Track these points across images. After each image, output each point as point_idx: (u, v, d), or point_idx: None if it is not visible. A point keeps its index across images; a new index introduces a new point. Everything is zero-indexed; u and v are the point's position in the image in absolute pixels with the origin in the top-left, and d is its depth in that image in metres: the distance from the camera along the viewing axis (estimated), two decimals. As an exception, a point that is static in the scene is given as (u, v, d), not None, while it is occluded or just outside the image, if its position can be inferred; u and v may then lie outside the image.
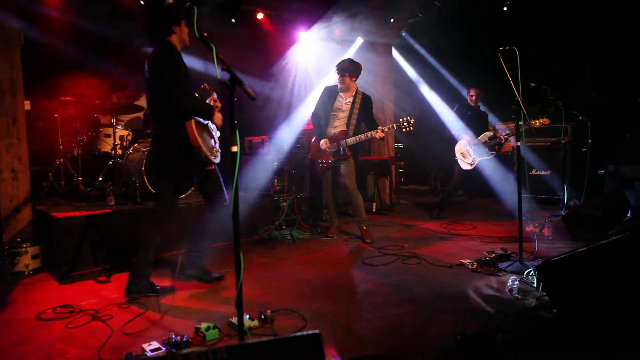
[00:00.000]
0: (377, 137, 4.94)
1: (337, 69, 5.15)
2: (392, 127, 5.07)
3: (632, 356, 2.40)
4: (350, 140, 5.06)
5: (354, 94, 5.17)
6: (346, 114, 5.16)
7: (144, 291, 3.47)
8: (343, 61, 5.17)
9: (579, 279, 2.74)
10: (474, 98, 6.44)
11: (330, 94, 5.27)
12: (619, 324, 2.53)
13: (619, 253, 2.68)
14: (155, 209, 3.55)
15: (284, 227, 5.61)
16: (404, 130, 4.97)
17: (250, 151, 6.23)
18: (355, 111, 5.12)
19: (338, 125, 5.18)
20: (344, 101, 5.18)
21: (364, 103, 5.17)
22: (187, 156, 3.42)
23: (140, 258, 3.46)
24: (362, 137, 5.03)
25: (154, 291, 3.49)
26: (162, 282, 3.68)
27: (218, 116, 3.61)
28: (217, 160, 3.62)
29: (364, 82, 6.32)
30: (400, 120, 4.96)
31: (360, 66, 5.20)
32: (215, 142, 3.68)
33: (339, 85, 5.19)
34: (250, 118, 7.23)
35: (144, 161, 4.88)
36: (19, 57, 4.57)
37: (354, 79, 5.16)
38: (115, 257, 4.25)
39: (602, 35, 6.85)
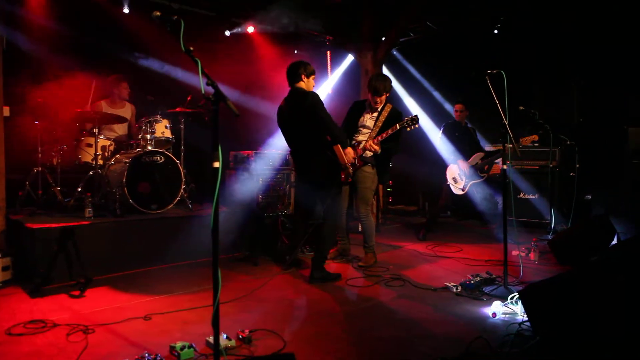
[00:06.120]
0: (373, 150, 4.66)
1: (378, 90, 4.72)
2: (395, 127, 4.64)
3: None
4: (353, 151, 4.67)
5: (380, 108, 4.85)
6: (369, 129, 4.84)
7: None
8: (379, 82, 4.73)
9: (561, 304, 2.69)
10: (459, 114, 6.42)
11: (357, 109, 5.02)
12: (600, 348, 2.47)
13: (599, 278, 2.64)
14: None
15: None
16: (408, 129, 4.66)
17: (235, 166, 6.12)
18: (379, 124, 4.78)
19: (360, 139, 4.85)
20: (369, 116, 4.89)
21: (392, 118, 4.79)
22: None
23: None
24: (364, 146, 4.71)
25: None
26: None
27: None
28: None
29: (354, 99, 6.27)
30: (406, 119, 4.67)
31: (390, 80, 4.91)
32: None
33: (377, 105, 4.83)
34: (237, 132, 7.15)
35: (126, 172, 4.76)
36: (1, 62, 4.46)
37: (386, 95, 4.84)
38: (91, 271, 4.09)
39: (590, 59, 6.93)
